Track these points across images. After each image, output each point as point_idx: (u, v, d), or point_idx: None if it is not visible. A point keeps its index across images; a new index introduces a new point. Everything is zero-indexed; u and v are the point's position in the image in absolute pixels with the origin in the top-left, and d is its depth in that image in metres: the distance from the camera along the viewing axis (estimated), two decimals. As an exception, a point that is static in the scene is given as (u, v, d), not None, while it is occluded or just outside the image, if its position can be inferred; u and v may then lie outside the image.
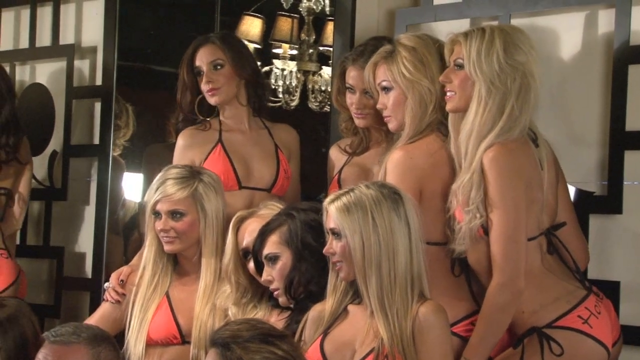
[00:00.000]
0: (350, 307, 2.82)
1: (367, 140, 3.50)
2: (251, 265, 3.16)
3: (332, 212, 2.76)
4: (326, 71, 5.45)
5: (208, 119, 3.68)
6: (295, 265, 3.00)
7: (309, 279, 2.98)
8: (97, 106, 4.49)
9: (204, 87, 3.63)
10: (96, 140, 4.48)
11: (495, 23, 3.35)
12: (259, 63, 4.04)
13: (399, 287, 2.69)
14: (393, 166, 3.02)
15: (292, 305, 3.05)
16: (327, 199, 2.81)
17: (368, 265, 2.71)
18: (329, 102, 4.88)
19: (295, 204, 3.18)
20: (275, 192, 3.60)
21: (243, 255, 3.22)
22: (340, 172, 3.51)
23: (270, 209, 3.22)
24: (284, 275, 3.01)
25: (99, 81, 4.50)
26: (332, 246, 2.79)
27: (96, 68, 4.52)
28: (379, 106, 3.17)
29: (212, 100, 3.64)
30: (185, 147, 3.63)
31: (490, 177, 2.87)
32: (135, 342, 3.32)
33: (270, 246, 3.04)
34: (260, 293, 3.19)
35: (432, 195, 3.00)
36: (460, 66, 2.96)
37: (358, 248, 2.72)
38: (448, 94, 3.00)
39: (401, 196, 2.78)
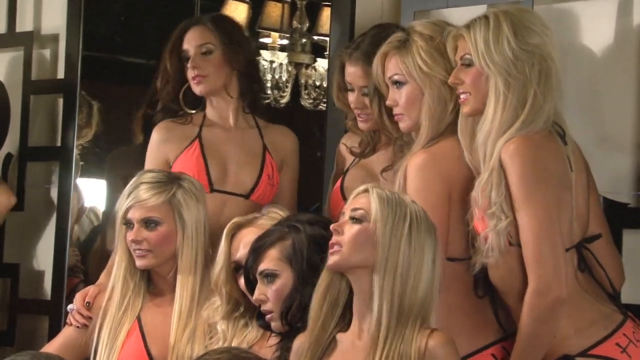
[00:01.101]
0: (340, 336, 2.77)
1: (373, 142, 3.50)
2: (242, 281, 3.12)
3: (372, 194, 2.71)
4: (321, 64, 5.47)
5: (194, 111, 3.67)
6: (297, 287, 2.94)
7: (310, 304, 2.86)
8: (59, 102, 4.49)
9: (190, 73, 3.62)
10: (58, 142, 4.47)
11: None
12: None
13: (414, 312, 2.67)
14: (417, 171, 2.98)
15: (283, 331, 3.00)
16: (371, 184, 2.76)
17: (391, 268, 2.66)
18: (324, 99, 4.90)
19: (297, 215, 3.13)
20: (254, 199, 3.60)
21: (234, 268, 3.18)
22: (345, 174, 3.50)
23: (272, 219, 3.16)
24: (281, 297, 2.96)
25: (61, 74, 4.50)
26: (344, 225, 2.72)
27: (58, 59, 4.52)
28: (389, 102, 3.14)
29: (197, 89, 3.63)
30: (161, 142, 3.63)
31: (511, 172, 2.85)
32: (103, 375, 3.30)
33: (269, 262, 2.98)
34: (254, 309, 3.12)
35: (457, 205, 2.98)
36: (469, 63, 2.96)
37: (385, 242, 2.66)
38: (462, 96, 2.98)
39: (436, 228, 2.76)
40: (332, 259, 2.72)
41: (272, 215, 3.19)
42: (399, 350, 2.64)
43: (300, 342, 2.80)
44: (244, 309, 3.17)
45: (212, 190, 3.58)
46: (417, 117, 3.09)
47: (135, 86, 4.59)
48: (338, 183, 3.52)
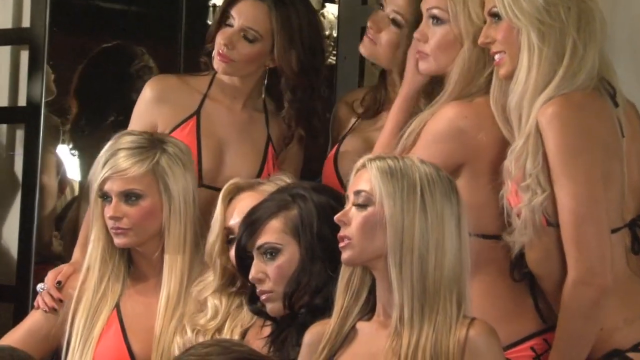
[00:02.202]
0: (360, 325, 2.79)
1: (381, 101, 3.47)
2: (232, 253, 3.12)
3: (371, 170, 2.71)
4: (331, 10, 5.44)
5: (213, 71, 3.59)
6: (305, 265, 2.93)
7: (320, 286, 2.90)
8: (24, 55, 4.48)
9: (218, 45, 3.51)
10: (22, 101, 4.46)
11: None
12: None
13: (442, 292, 2.67)
14: (435, 126, 2.99)
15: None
16: (369, 156, 2.76)
17: (407, 251, 2.67)
18: (334, 52, 4.87)
19: (300, 182, 3.12)
20: None
21: (226, 236, 3.18)
22: (341, 141, 3.47)
23: (276, 186, 3.15)
24: (284, 275, 2.94)
25: (26, 22, 4.48)
26: (349, 214, 2.72)
27: (22, 4, 4.50)
28: (417, 35, 3.13)
29: (217, 66, 3.53)
30: (154, 101, 3.59)
31: (549, 139, 2.85)
32: (77, 372, 3.30)
33: (270, 234, 2.97)
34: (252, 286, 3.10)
35: (491, 172, 2.98)
36: (497, 15, 2.95)
37: (397, 223, 2.66)
38: (496, 57, 2.99)
39: (454, 184, 2.75)
40: (344, 255, 2.74)
41: (279, 183, 3.18)
42: (431, 338, 2.65)
43: (315, 332, 2.80)
44: (241, 284, 3.16)
45: (201, 184, 3.52)
46: (444, 65, 3.10)
47: (113, 37, 4.58)
48: (332, 151, 3.50)
